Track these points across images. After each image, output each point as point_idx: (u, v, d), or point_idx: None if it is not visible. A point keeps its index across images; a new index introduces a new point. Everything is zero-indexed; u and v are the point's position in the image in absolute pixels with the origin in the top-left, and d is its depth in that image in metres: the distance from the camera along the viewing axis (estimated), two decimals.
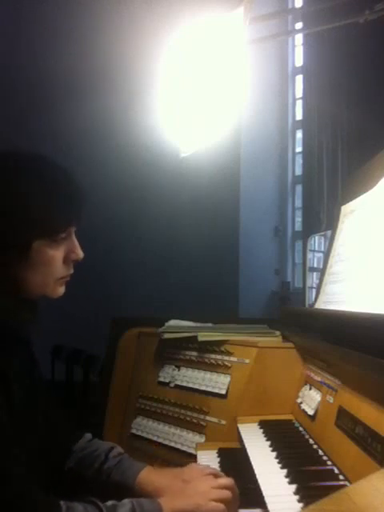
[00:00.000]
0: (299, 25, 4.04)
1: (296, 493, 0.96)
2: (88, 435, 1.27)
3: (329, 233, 2.07)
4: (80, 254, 1.07)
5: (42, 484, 0.99)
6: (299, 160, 4.24)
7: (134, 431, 1.78)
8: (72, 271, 1.08)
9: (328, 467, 1.09)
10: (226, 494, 1.03)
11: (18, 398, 0.98)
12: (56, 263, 1.04)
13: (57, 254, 1.03)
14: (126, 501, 0.98)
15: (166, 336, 1.78)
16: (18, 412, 0.97)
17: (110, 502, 0.97)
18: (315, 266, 2.98)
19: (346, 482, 1.00)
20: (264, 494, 0.99)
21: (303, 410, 1.35)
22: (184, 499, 1.01)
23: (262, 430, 1.39)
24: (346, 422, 1.07)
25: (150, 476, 1.13)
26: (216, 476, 1.13)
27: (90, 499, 0.95)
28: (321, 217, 3.43)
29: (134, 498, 0.99)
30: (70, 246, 1.06)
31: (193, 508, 0.99)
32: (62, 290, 1.08)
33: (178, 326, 1.85)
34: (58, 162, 1.08)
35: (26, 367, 1.07)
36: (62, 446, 1.21)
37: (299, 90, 4.32)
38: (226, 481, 1.06)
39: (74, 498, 0.97)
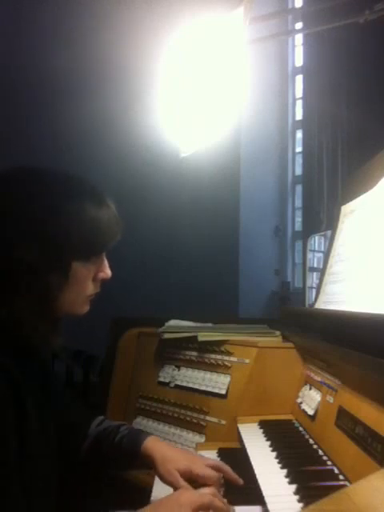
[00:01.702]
0: (299, 25, 4.04)
1: (296, 493, 0.96)
2: (100, 418, 1.31)
3: (329, 233, 2.07)
4: (108, 272, 1.09)
5: (59, 486, 1.03)
6: (299, 160, 4.24)
7: None
8: (99, 290, 1.10)
9: (328, 467, 1.10)
10: (208, 499, 1.01)
11: (33, 415, 0.98)
12: (88, 282, 1.06)
13: (89, 273, 1.06)
14: None
15: (166, 336, 1.78)
16: (33, 429, 0.97)
17: None
18: (315, 266, 2.98)
19: (346, 482, 1.00)
20: (264, 493, 0.99)
21: (303, 410, 1.35)
22: (166, 510, 1.00)
23: (262, 430, 1.39)
24: (346, 422, 1.07)
25: (156, 443, 1.20)
26: (219, 469, 1.15)
27: None
28: (321, 217, 3.43)
29: None
30: (100, 266, 1.08)
31: None
32: (87, 307, 1.09)
33: (178, 326, 1.85)
34: (98, 185, 1.09)
35: (38, 379, 1.08)
36: (77, 437, 1.26)
37: (299, 90, 4.31)
38: (207, 490, 1.06)
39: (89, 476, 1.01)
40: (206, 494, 1.03)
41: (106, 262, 1.09)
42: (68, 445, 1.23)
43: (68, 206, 1.00)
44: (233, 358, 1.59)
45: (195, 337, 1.70)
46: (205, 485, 1.12)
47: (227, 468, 1.18)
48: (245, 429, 1.42)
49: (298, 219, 4.31)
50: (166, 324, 1.86)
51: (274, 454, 1.20)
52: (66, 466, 1.22)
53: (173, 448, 1.22)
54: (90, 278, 1.06)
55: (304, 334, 1.51)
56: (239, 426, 1.45)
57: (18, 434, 0.92)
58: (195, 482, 1.13)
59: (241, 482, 1.17)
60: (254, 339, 1.64)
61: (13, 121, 4.09)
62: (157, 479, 1.23)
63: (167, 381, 1.76)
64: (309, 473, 1.07)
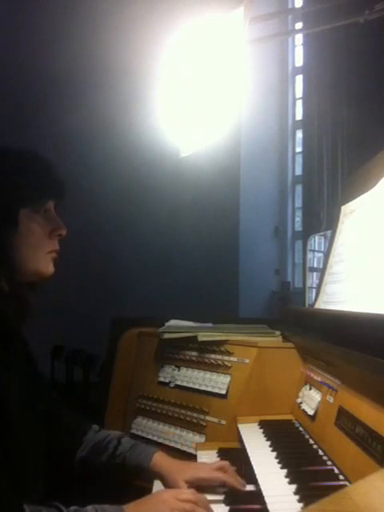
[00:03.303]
0: (299, 25, 4.04)
1: (296, 493, 0.96)
2: (95, 426, 1.32)
3: (329, 233, 2.07)
4: (63, 228, 1.13)
5: (42, 484, 1.03)
6: (299, 160, 4.24)
7: (133, 431, 1.78)
8: (58, 247, 1.13)
9: (328, 467, 1.09)
10: (190, 507, 1.01)
11: (14, 401, 0.98)
12: (41, 236, 1.09)
13: (41, 227, 1.09)
14: (89, 508, 0.99)
15: (166, 336, 1.78)
16: (14, 415, 0.97)
17: (72, 508, 0.98)
18: (315, 266, 2.98)
19: (346, 482, 1.00)
20: (264, 494, 0.99)
21: (303, 410, 1.35)
22: (148, 506, 1.02)
23: (262, 430, 1.39)
24: (346, 422, 1.07)
25: (163, 458, 1.21)
26: (225, 470, 1.16)
27: (53, 503, 0.96)
28: (321, 217, 3.44)
29: (98, 505, 1.00)
30: (54, 223, 1.12)
31: None
32: (51, 267, 1.12)
33: (178, 326, 1.85)
34: (38, 153, 1.16)
35: (21, 367, 1.08)
36: (71, 439, 1.26)
37: (299, 90, 4.32)
38: (189, 495, 1.05)
39: (86, 487, 1.06)
40: (190, 501, 1.02)
41: (58, 219, 1.13)
42: (62, 446, 1.23)
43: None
44: (233, 358, 1.59)
45: (195, 337, 1.70)
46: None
47: (232, 469, 1.17)
48: (245, 429, 1.42)
49: (298, 219, 4.31)
50: (166, 324, 1.86)
51: (274, 454, 1.19)
52: (60, 469, 1.22)
53: (178, 461, 1.24)
54: (45, 233, 1.10)
55: (304, 333, 1.51)
56: (239, 425, 1.45)
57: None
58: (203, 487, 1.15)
59: (242, 487, 1.14)
60: (254, 339, 1.64)
61: (13, 121, 4.10)
62: (157, 480, 1.23)
63: (167, 381, 1.76)
64: (309, 473, 1.07)
